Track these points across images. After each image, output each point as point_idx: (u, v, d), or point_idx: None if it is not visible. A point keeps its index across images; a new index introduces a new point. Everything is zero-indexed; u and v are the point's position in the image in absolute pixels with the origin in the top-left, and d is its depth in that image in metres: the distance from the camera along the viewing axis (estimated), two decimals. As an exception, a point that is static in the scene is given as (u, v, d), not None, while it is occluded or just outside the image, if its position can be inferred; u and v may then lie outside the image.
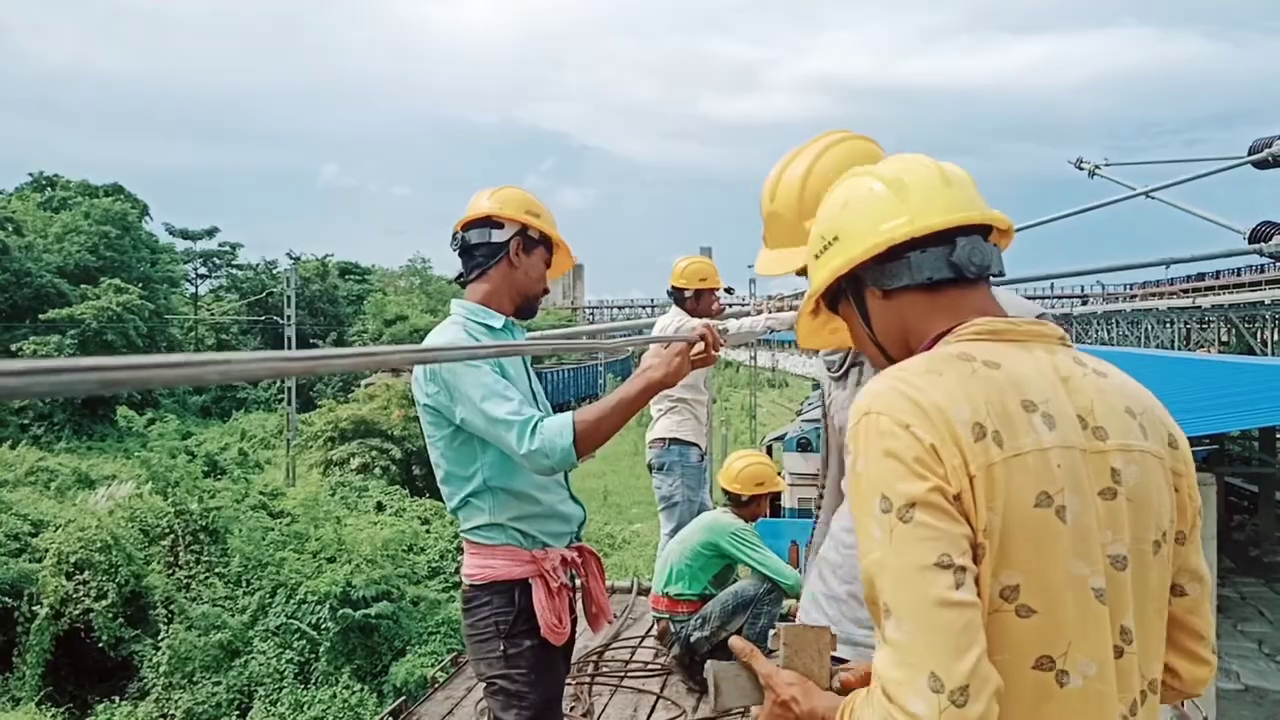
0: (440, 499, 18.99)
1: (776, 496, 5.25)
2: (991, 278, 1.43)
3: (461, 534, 2.83)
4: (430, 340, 2.72)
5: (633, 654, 5.60)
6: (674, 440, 5.68)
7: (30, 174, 52.07)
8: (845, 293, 1.51)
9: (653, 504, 5.95)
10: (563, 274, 3.02)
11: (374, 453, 30.89)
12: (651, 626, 5.28)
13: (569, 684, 5.11)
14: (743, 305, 7.92)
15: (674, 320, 5.70)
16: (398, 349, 1.32)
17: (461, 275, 2.89)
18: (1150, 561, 1.32)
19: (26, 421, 38.76)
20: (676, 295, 5.83)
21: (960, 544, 1.18)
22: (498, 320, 2.79)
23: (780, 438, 21.21)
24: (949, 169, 1.46)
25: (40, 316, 40.36)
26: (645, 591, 6.48)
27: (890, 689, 1.16)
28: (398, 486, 26.61)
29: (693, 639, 4.89)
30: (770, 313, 6.10)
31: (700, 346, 2.63)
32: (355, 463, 30.86)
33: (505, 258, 2.80)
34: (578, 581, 2.87)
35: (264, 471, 36.02)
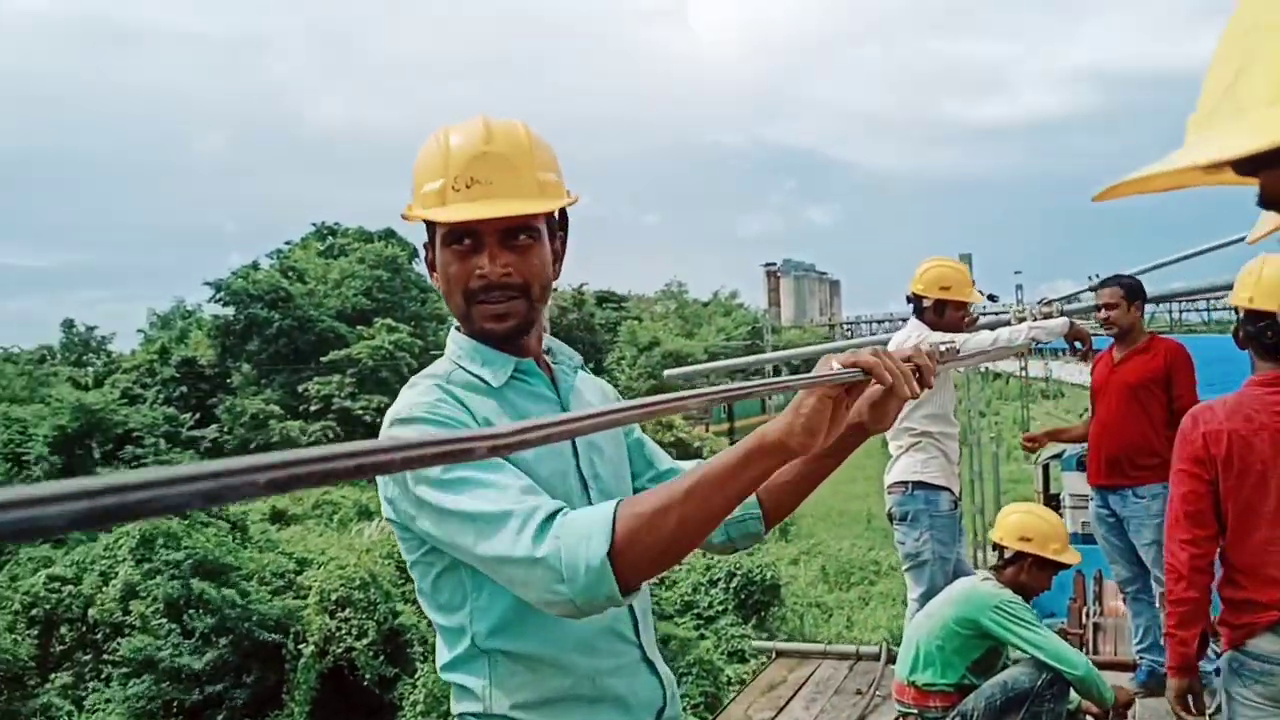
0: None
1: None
2: None
3: None
4: (393, 411, 1.63)
5: (878, 747, 4.58)
6: (918, 484, 4.63)
7: (313, 224, 55.70)
8: None
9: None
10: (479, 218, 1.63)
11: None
12: (898, 718, 4.25)
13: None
14: (1000, 314, 6.71)
15: (910, 334, 4.67)
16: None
17: None
18: None
19: (314, 456, 41.18)
20: (915, 304, 4.81)
21: None
22: (500, 366, 1.69)
23: (1058, 455, 19.30)
24: None
25: (321, 359, 42.98)
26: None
27: None
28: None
29: (949, 743, 3.84)
30: (1035, 319, 4.94)
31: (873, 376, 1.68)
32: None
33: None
34: None
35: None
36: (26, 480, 30.51)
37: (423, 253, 1.77)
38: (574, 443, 1.68)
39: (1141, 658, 5.02)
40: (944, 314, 4.73)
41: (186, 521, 16.95)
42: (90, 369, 49.87)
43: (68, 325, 54.43)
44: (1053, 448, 22.40)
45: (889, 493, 4.74)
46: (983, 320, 5.80)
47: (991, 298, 6.64)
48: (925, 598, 4.48)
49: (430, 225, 1.70)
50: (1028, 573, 3.93)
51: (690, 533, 1.36)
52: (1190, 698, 2.83)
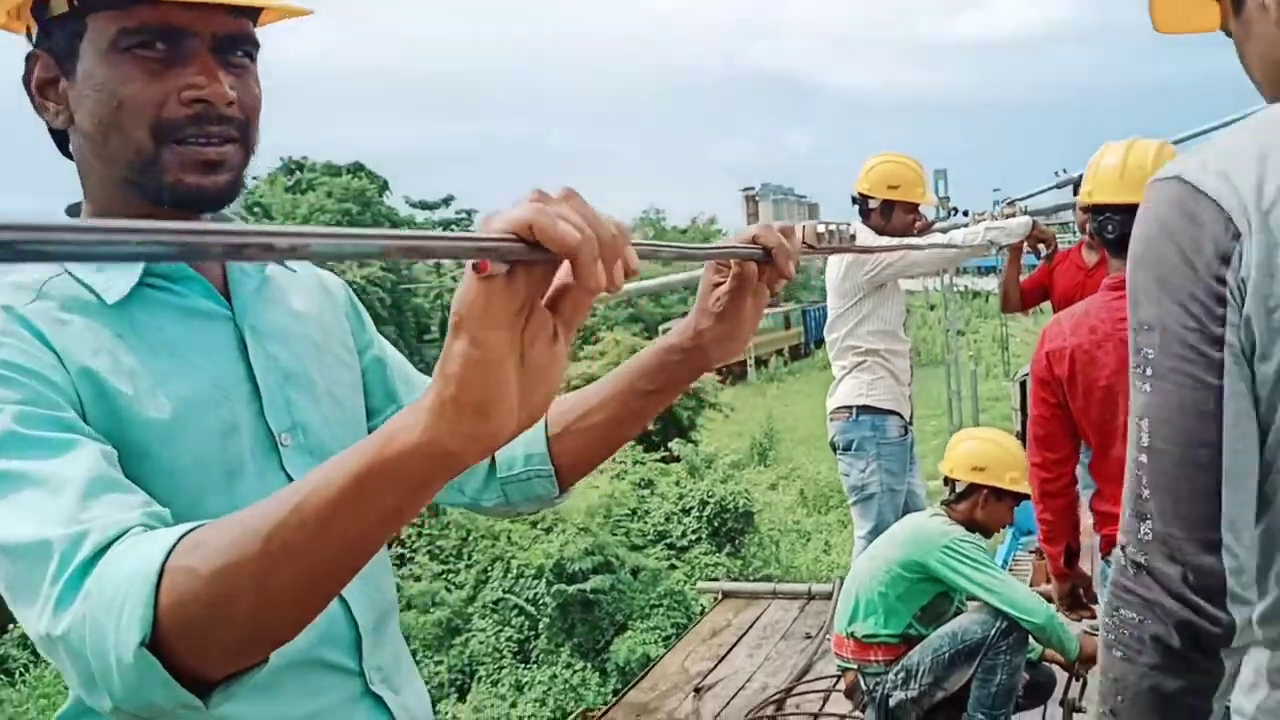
0: (665, 456, 17.40)
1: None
2: None
3: None
4: None
5: (825, 702, 4.14)
6: (864, 408, 4.11)
7: (280, 159, 54.30)
8: None
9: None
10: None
11: (607, 410, 30.48)
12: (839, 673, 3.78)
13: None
14: (960, 218, 6.16)
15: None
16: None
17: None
18: None
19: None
20: (860, 205, 4.27)
21: None
22: (122, 269, 1.06)
23: (1035, 373, 18.98)
24: None
25: (292, 295, 42.24)
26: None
27: None
28: (630, 442, 25.79)
29: (892, 701, 3.37)
30: (994, 219, 4.41)
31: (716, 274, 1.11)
32: (591, 420, 30.53)
33: (39, 93, 1.11)
34: None
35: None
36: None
37: (36, 73, 1.09)
38: (250, 368, 1.10)
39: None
40: (891, 217, 4.20)
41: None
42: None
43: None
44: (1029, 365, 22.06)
45: (831, 419, 4.23)
46: (939, 225, 5.26)
47: (965, 213, 6.12)
48: (875, 534, 4.00)
49: (73, 10, 1.04)
50: (983, 507, 3.45)
51: (290, 600, 0.75)
52: (1080, 592, 2.89)
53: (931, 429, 25.68)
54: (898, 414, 4.14)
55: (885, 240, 4.09)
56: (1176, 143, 3.71)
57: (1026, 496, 3.51)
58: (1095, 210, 2.62)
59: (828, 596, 5.21)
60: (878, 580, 3.44)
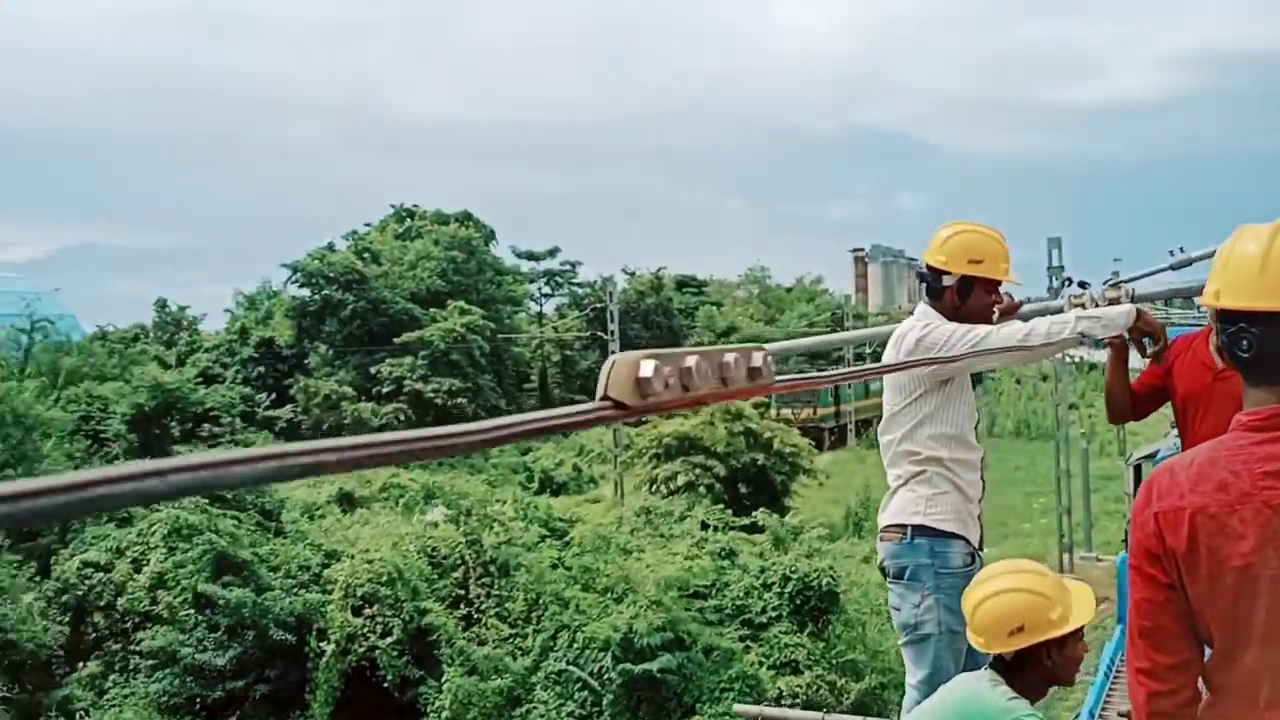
0: (753, 522, 16.72)
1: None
2: None
3: None
4: None
5: None
6: (920, 529, 3.39)
7: (391, 205, 55.38)
8: None
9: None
10: None
11: (698, 470, 29.75)
12: None
13: None
14: (1049, 300, 5.38)
15: (916, 324, 3.44)
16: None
17: None
18: None
19: (386, 438, 40.91)
20: (931, 280, 3.57)
21: None
22: None
23: (1150, 456, 17.68)
24: None
25: (394, 340, 42.74)
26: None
27: None
28: (720, 505, 25.04)
29: None
30: (1089, 306, 3.66)
31: None
32: (680, 481, 29.86)
33: None
34: None
35: (597, 487, 36.23)
36: (105, 456, 30.67)
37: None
38: None
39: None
40: (970, 296, 3.49)
41: (207, 513, 16.24)
42: (175, 348, 50.35)
43: (160, 305, 55.09)
44: (1146, 446, 20.67)
45: (881, 539, 3.51)
46: (1027, 308, 4.51)
47: (1082, 285, 5.44)
48: (930, 683, 3.27)
49: None
50: (1051, 662, 2.70)
51: None
52: None
53: (1039, 508, 24.40)
54: (963, 538, 3.39)
55: (949, 332, 3.36)
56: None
57: (1086, 625, 2.75)
58: (1223, 317, 1.86)
59: (884, 735, 4.43)
60: (921, 763, 2.70)
